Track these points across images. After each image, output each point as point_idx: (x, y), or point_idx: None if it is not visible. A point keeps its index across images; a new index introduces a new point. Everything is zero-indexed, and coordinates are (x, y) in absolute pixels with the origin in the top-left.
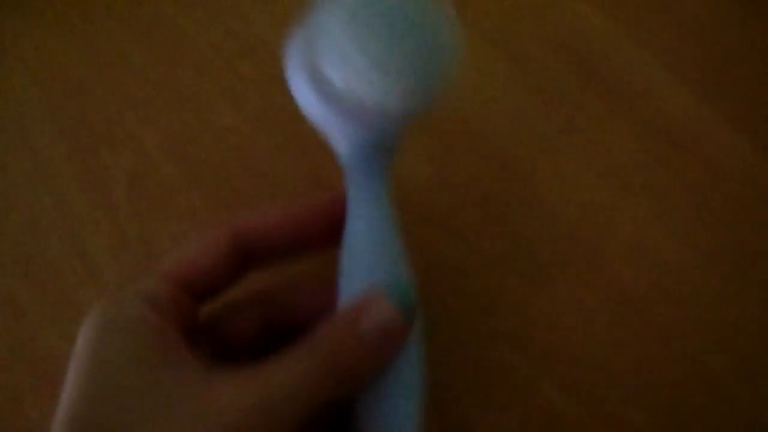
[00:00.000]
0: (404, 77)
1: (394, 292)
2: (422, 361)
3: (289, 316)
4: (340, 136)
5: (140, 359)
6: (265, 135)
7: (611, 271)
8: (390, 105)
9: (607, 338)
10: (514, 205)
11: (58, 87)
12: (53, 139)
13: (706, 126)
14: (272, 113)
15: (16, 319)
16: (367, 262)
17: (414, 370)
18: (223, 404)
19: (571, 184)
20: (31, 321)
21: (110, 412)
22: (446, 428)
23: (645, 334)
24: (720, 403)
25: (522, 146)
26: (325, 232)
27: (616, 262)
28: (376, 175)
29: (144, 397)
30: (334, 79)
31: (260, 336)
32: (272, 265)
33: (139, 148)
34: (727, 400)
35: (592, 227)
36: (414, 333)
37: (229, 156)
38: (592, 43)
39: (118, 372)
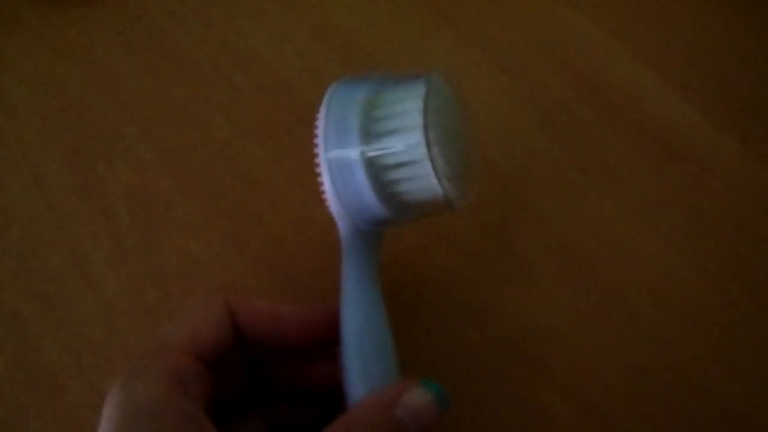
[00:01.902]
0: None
1: (428, 383)
2: None
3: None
4: (359, 221)
5: None
6: (261, 147)
7: (604, 277)
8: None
9: (601, 344)
10: (507, 213)
11: (56, 103)
12: (53, 154)
13: (697, 131)
14: (267, 125)
15: (19, 331)
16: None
17: None
18: None
19: (563, 192)
20: (33, 333)
21: None
22: None
23: (638, 340)
24: (713, 408)
25: (514, 155)
26: (317, 340)
27: (609, 268)
28: (374, 252)
29: None
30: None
31: None
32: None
33: (137, 162)
34: (720, 405)
35: (585, 234)
36: None
37: (225, 168)
38: (584, 53)
39: None
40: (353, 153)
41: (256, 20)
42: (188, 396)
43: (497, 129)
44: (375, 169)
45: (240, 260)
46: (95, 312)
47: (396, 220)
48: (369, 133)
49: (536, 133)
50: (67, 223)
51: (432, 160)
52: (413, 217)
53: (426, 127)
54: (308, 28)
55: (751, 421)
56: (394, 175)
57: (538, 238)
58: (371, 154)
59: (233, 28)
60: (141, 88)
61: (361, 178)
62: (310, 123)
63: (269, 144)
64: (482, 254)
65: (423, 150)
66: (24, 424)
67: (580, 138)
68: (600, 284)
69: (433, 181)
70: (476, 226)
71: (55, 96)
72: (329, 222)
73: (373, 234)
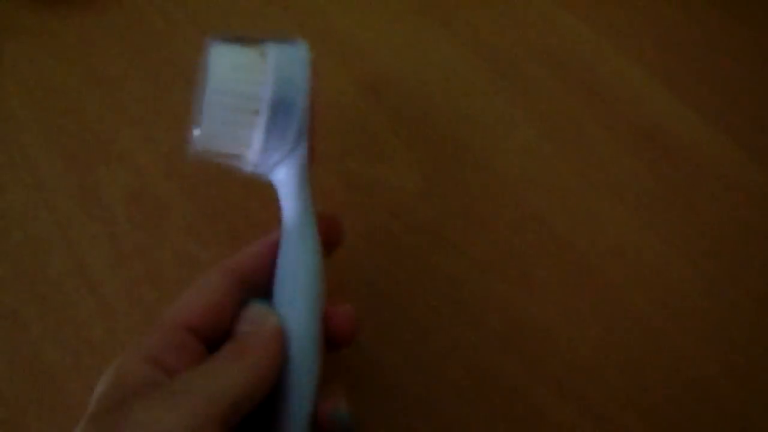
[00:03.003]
0: None
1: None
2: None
3: None
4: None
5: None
6: None
7: (600, 275)
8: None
9: (597, 342)
10: (502, 213)
11: (55, 107)
12: (52, 158)
13: (691, 130)
14: None
15: (18, 333)
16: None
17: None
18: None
19: (558, 191)
20: (32, 335)
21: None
22: None
23: (635, 338)
24: (709, 405)
25: (509, 155)
26: None
27: (605, 266)
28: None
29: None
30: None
31: None
32: None
33: (136, 165)
34: (717, 402)
35: (580, 233)
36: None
37: (222, 170)
38: (577, 53)
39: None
40: None
41: (253, 24)
42: (158, 365)
43: (492, 128)
44: None
45: None
46: (94, 314)
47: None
48: None
49: (531, 133)
50: (66, 225)
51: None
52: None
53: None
54: (305, 31)
55: (747, 418)
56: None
57: (533, 238)
58: None
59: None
60: (139, 92)
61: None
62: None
63: None
64: (478, 253)
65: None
66: (24, 425)
67: (575, 137)
68: (596, 283)
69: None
70: (472, 226)
71: (54, 100)
72: None
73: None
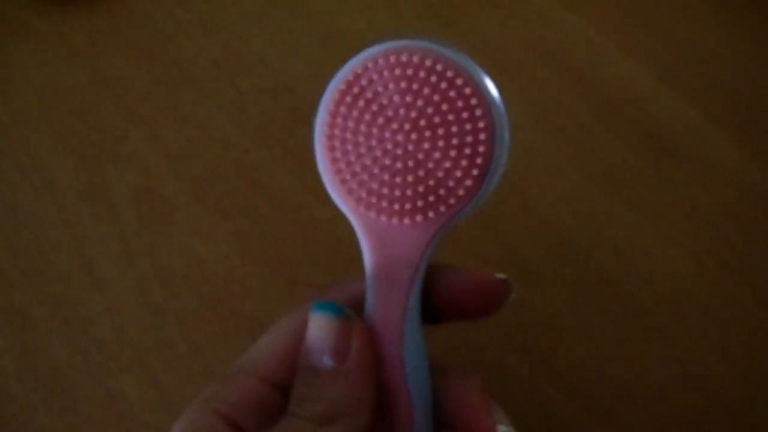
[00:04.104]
0: None
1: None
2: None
3: None
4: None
5: None
6: (265, 149)
7: (604, 273)
8: None
9: (601, 338)
10: (506, 212)
11: (63, 107)
12: (60, 158)
13: (695, 130)
14: (271, 128)
15: (27, 331)
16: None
17: None
18: None
19: (563, 191)
20: (41, 333)
21: None
22: None
23: (638, 335)
24: (714, 401)
25: (513, 154)
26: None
27: (609, 264)
28: None
29: None
30: None
31: None
32: None
33: (143, 165)
34: (721, 398)
35: (584, 231)
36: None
37: (229, 170)
38: (582, 53)
39: None
40: None
41: (259, 25)
42: (232, 424)
43: None
44: None
45: (244, 260)
46: (102, 312)
47: None
48: None
49: (534, 131)
50: (74, 225)
51: None
52: None
53: None
54: (311, 32)
55: (750, 414)
56: None
57: (537, 236)
58: None
59: (236, 33)
60: (146, 93)
61: None
62: (312, 125)
63: (273, 146)
64: (484, 253)
65: None
66: (33, 422)
67: (578, 136)
68: (600, 280)
69: None
70: (476, 224)
71: (63, 101)
72: (333, 222)
73: None
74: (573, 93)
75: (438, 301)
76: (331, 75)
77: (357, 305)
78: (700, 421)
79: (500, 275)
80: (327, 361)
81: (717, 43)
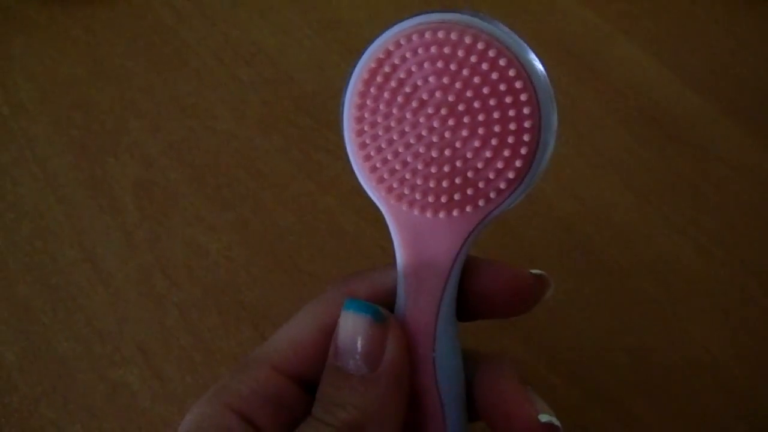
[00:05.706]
0: None
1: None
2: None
3: None
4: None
5: None
6: (266, 138)
7: (607, 259)
8: None
9: (604, 326)
10: None
11: (64, 100)
12: (61, 150)
13: (698, 114)
14: (272, 117)
15: (30, 322)
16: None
17: None
18: None
19: (566, 177)
20: (44, 324)
21: None
22: None
23: (641, 321)
24: (719, 389)
25: None
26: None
27: (612, 251)
28: None
29: None
30: None
31: None
32: None
33: (144, 156)
34: (723, 384)
35: (588, 217)
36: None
37: (230, 160)
38: (584, 39)
39: None
40: None
41: (260, 15)
42: (245, 419)
43: None
44: None
45: (246, 250)
46: (105, 303)
47: None
48: None
49: None
50: (76, 216)
51: None
52: None
53: None
54: (311, 22)
55: (755, 401)
56: None
57: (541, 222)
58: None
59: (236, 23)
60: (146, 84)
61: None
62: (313, 114)
63: (273, 135)
64: (487, 240)
65: None
66: (36, 413)
67: (582, 122)
68: (603, 267)
69: None
70: None
71: (63, 93)
72: (334, 211)
73: None
74: (577, 79)
75: (472, 299)
76: (330, 65)
77: (385, 300)
78: (705, 408)
79: (536, 271)
80: (358, 366)
81: (722, 29)
